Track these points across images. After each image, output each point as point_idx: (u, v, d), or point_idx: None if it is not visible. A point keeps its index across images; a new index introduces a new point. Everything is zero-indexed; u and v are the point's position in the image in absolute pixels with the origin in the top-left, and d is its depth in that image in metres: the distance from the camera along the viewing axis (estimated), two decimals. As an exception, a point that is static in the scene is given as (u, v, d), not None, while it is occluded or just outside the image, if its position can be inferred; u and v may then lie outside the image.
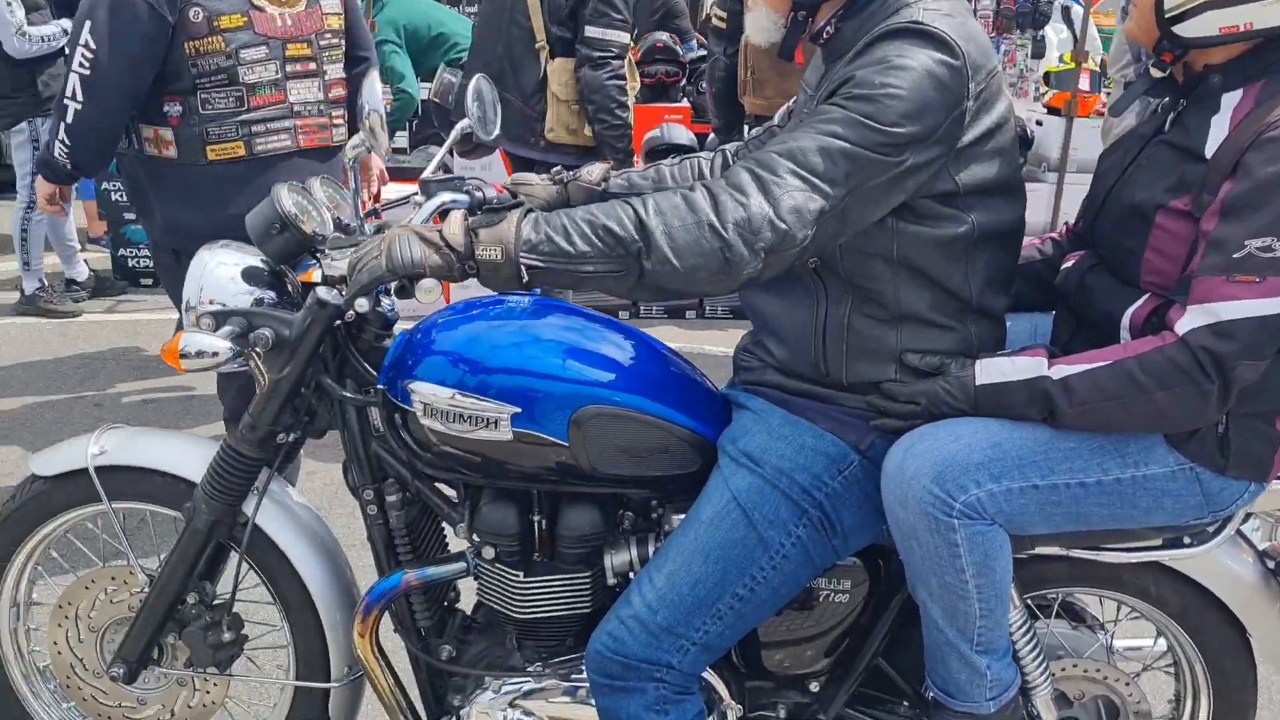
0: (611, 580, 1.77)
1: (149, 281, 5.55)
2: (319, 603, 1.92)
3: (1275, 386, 1.54)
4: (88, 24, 2.52)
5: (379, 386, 1.74)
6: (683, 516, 1.71)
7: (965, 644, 1.63)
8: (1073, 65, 5.86)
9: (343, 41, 2.88)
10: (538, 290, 1.72)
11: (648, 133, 5.14)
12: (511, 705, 1.81)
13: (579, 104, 3.76)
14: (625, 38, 3.78)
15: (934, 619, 1.64)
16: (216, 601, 1.95)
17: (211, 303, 1.75)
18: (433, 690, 1.92)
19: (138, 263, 5.67)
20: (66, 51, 2.58)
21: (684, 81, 6.27)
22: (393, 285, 1.57)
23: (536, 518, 1.77)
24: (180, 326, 3.20)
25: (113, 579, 2.01)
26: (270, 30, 2.64)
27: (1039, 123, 6.29)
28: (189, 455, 1.93)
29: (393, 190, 3.57)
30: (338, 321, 1.74)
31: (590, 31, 3.70)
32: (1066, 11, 6.34)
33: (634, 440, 1.68)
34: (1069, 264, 1.74)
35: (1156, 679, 1.99)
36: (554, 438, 1.66)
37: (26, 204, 5.10)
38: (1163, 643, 1.91)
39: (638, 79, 4.14)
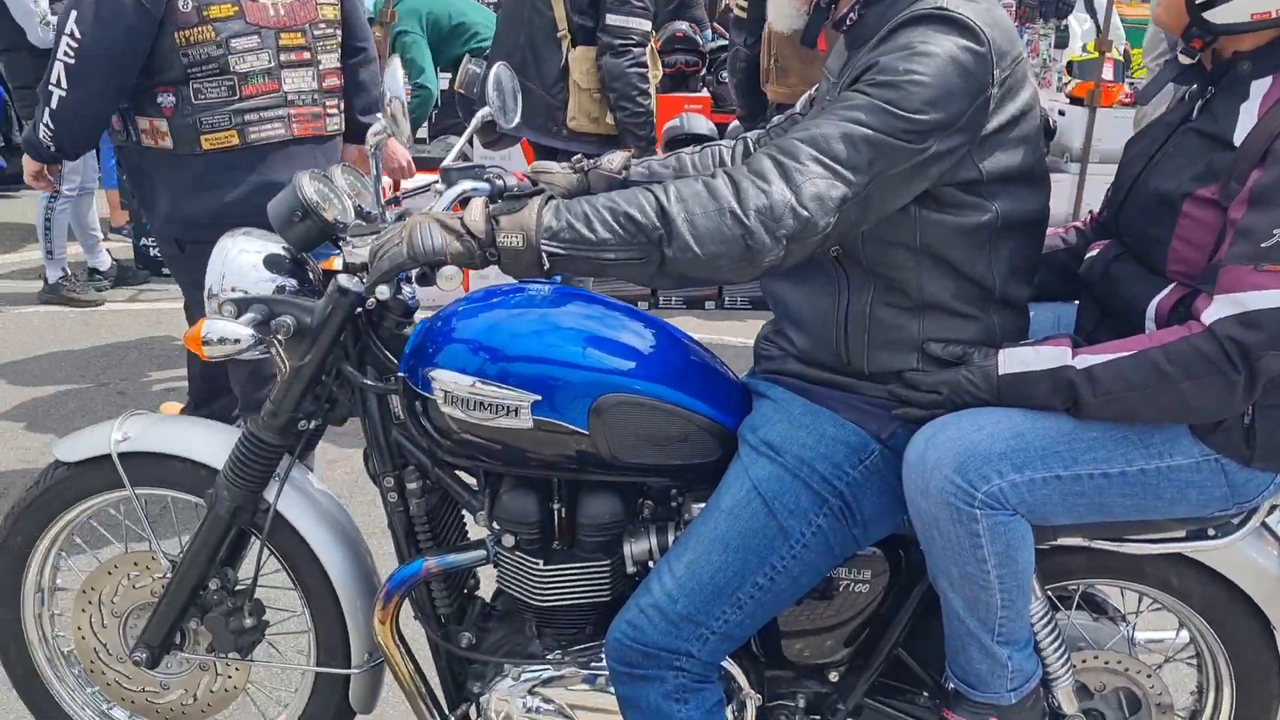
0: (631, 569, 1.77)
1: (170, 271, 5.58)
2: (339, 589, 1.93)
3: (1303, 377, 1.53)
4: (74, 13, 2.55)
5: (400, 374, 1.74)
6: (703, 505, 1.70)
7: (986, 634, 1.62)
8: (1096, 55, 5.80)
9: (338, 31, 2.89)
10: (558, 278, 1.72)
11: (667, 123, 5.13)
12: (531, 693, 1.82)
13: (601, 92, 3.76)
14: (646, 25, 3.78)
15: (955, 609, 1.63)
16: (238, 587, 1.96)
17: (234, 290, 1.76)
18: (452, 677, 1.92)
19: (160, 252, 5.70)
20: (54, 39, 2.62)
21: (704, 71, 6.24)
22: (414, 273, 1.57)
23: (556, 506, 1.77)
24: (190, 314, 3.28)
25: (135, 564, 2.03)
26: (262, 20, 2.66)
27: (1061, 113, 6.24)
28: (211, 442, 1.94)
29: (414, 179, 3.58)
30: (359, 309, 1.75)
31: (611, 19, 3.70)
32: (1090, 0, 6.27)
33: (654, 429, 1.68)
34: (1094, 253, 1.72)
35: (1179, 670, 1.98)
36: (574, 426, 1.66)
37: (50, 194, 5.14)
38: (1185, 634, 1.90)
39: (660, 67, 4.14)
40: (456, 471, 1.83)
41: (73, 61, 2.54)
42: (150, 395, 4.23)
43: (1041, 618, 1.71)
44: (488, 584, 1.96)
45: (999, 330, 1.64)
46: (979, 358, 1.59)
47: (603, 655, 1.72)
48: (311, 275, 1.84)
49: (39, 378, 4.38)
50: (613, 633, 1.67)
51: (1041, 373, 1.55)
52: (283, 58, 2.70)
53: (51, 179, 2.90)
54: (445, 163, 1.91)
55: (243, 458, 1.84)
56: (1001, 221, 1.57)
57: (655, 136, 3.94)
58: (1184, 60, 1.62)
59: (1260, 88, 1.52)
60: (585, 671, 1.81)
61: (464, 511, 1.93)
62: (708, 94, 6.12)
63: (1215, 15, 1.52)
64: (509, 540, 1.77)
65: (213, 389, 3.32)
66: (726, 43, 5.89)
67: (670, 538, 1.75)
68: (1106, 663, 1.83)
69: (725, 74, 5.67)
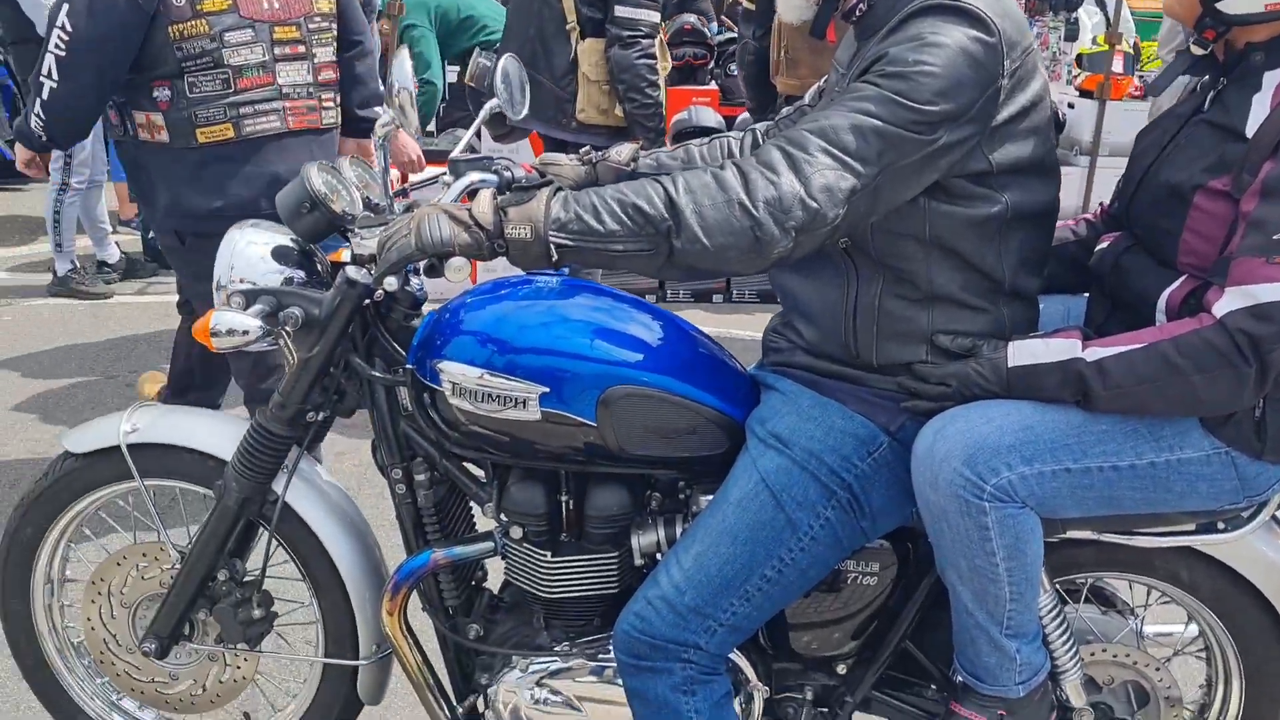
0: (639, 561, 1.77)
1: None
2: (347, 581, 1.93)
3: (1314, 370, 1.52)
4: (66, 6, 2.57)
5: (408, 366, 1.74)
6: (710, 498, 1.70)
7: (995, 627, 1.62)
8: (1106, 47, 5.78)
9: (333, 25, 2.90)
10: (565, 270, 1.72)
11: (675, 116, 5.12)
12: (539, 684, 1.82)
13: (610, 84, 3.76)
14: (655, 16, 3.78)
15: (963, 602, 1.63)
16: (247, 578, 1.97)
17: (242, 281, 1.76)
18: (460, 668, 1.93)
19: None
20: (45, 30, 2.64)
21: (712, 64, 6.23)
22: (422, 264, 1.57)
23: (564, 498, 1.77)
24: (179, 305, 3.29)
25: (144, 555, 2.03)
26: (256, 13, 2.67)
27: (1071, 106, 6.21)
28: (219, 433, 1.95)
29: (422, 172, 3.59)
30: (367, 301, 1.75)
31: (620, 11, 3.70)
32: (1101, -8, 6.24)
33: (662, 421, 1.68)
34: (1104, 245, 1.72)
35: (1188, 663, 1.98)
36: (582, 418, 1.66)
37: (59, 186, 5.15)
38: (1193, 628, 1.89)
39: (669, 59, 4.14)
40: (464, 463, 1.83)
41: (63, 54, 2.56)
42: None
43: (1050, 611, 1.71)
44: (495, 576, 1.97)
45: (1008, 322, 1.63)
46: (988, 350, 1.59)
47: (610, 647, 1.72)
48: (320, 267, 1.84)
49: (48, 370, 4.39)
50: (620, 625, 1.67)
51: (1051, 365, 1.55)
52: (277, 51, 2.71)
53: (43, 166, 2.94)
54: (453, 155, 1.91)
55: (251, 449, 1.84)
56: (1011, 213, 1.57)
57: (665, 128, 3.94)
58: (1196, 51, 1.61)
59: (1273, 79, 1.50)
60: (593, 663, 1.81)
61: (472, 503, 1.93)
62: (716, 87, 6.12)
63: (1228, 6, 1.51)
64: (517, 532, 1.77)
65: (189, 383, 3.36)
66: (734, 36, 5.88)
67: (678, 530, 1.75)
68: (1115, 656, 1.82)
69: (733, 67, 5.66)
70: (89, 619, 2.07)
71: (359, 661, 1.98)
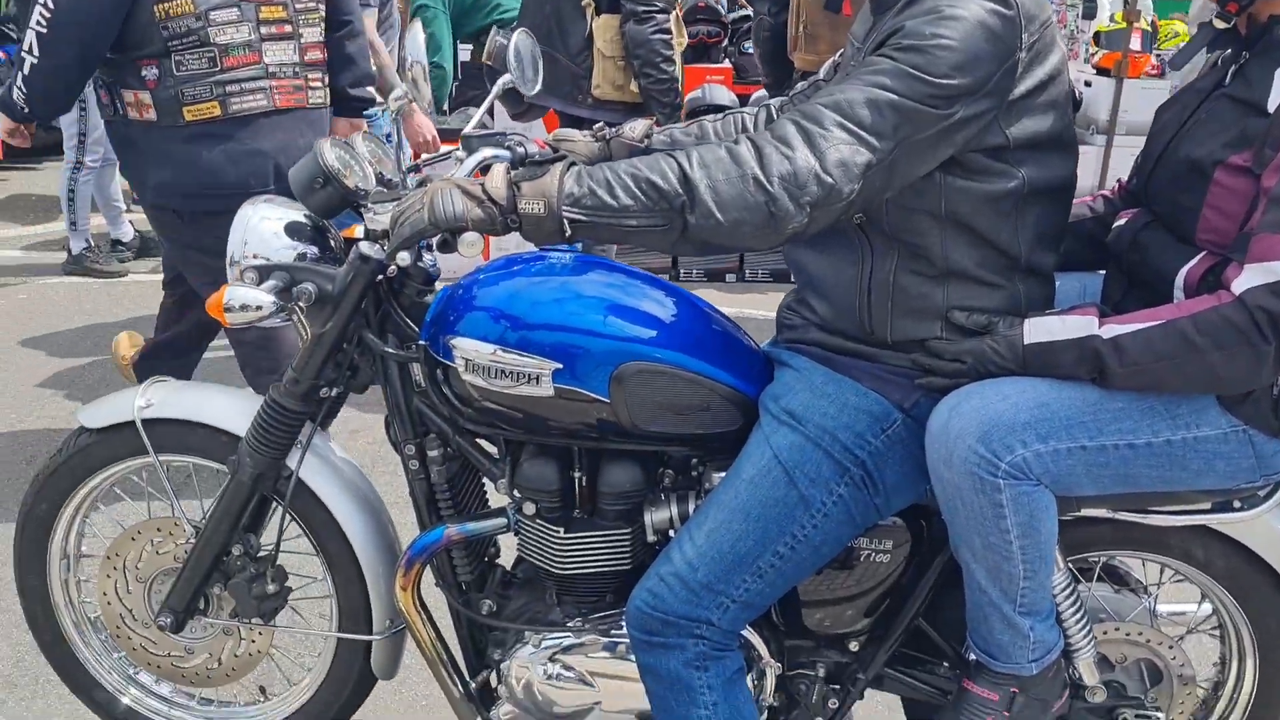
0: (651, 537, 1.77)
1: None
2: (361, 556, 1.94)
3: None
4: None
5: (421, 342, 1.74)
6: (723, 474, 1.70)
7: (1008, 605, 1.62)
8: (1123, 25, 5.72)
9: (321, 5, 2.91)
10: (578, 246, 1.71)
11: (689, 94, 5.10)
12: (551, 660, 1.82)
13: (625, 60, 3.76)
14: (670, -9, 3.77)
15: (977, 580, 1.63)
16: (261, 553, 1.98)
17: (255, 257, 1.76)
18: (473, 644, 1.94)
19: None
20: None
21: (726, 42, 6.19)
22: (435, 240, 1.57)
23: (577, 474, 1.77)
24: (165, 284, 3.30)
25: (158, 530, 2.04)
26: None
27: (1088, 84, 6.16)
28: (233, 409, 1.95)
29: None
30: (380, 276, 1.75)
31: None
32: (1119, -29, 6.18)
33: (675, 397, 1.67)
34: (1122, 222, 1.70)
35: (1201, 640, 1.97)
36: (595, 394, 1.65)
37: (73, 165, 5.17)
38: (1207, 606, 1.88)
39: (685, 34, 4.12)
40: (477, 439, 1.83)
41: (45, 31, 2.59)
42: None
43: (1064, 589, 1.70)
44: (509, 552, 1.97)
45: (1024, 299, 1.62)
46: (1004, 327, 1.58)
47: (623, 623, 1.72)
48: (333, 243, 1.84)
49: (64, 348, 4.41)
50: (633, 601, 1.67)
51: (1067, 342, 1.54)
52: (263, 30, 2.73)
53: (27, 135, 2.98)
54: (466, 130, 1.90)
55: (265, 425, 1.85)
56: (1028, 188, 1.55)
57: (680, 103, 3.94)
58: (1219, 25, 1.59)
59: (1295, 52, 1.49)
60: (606, 639, 1.81)
61: (485, 479, 1.93)
62: (730, 65, 6.09)
63: (1252, -22, 1.48)
64: (530, 508, 1.77)
65: (163, 355, 3.38)
66: (748, 13, 5.83)
67: (691, 507, 1.75)
68: (1128, 634, 1.82)
69: (748, 44, 5.62)
70: (105, 594, 2.09)
71: (372, 636, 1.99)
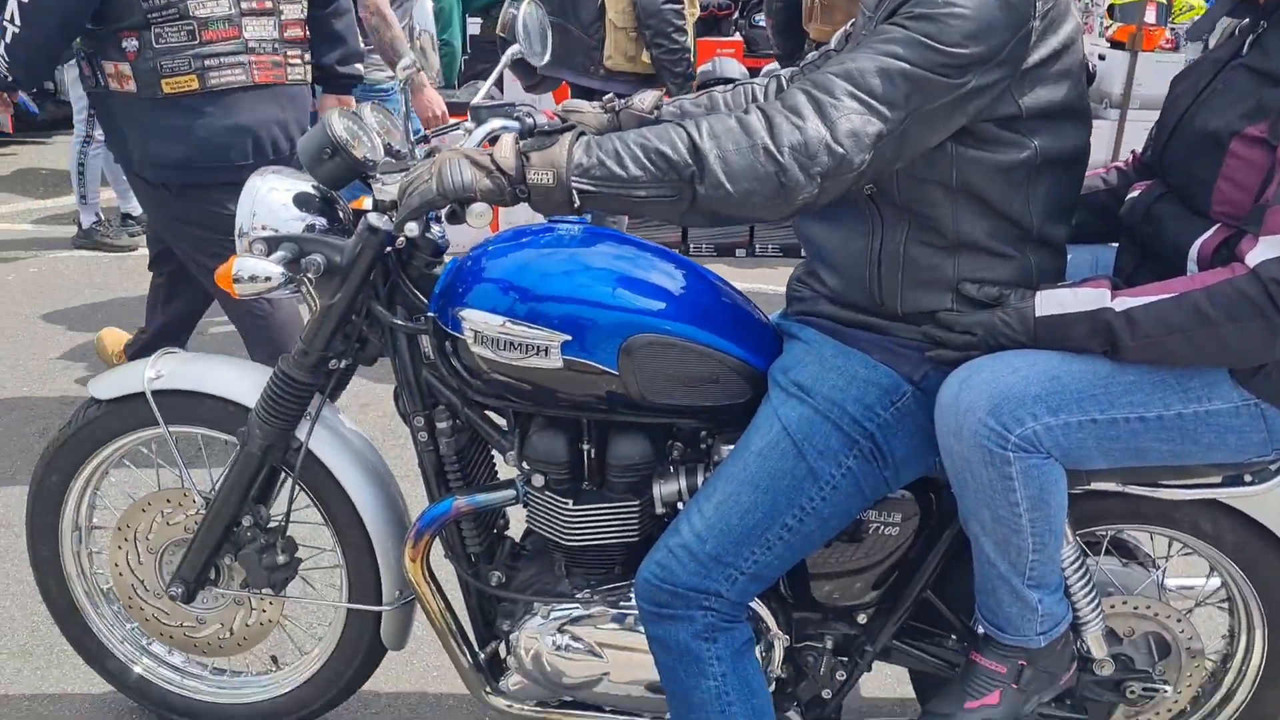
0: (660, 509, 1.77)
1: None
2: (370, 527, 1.95)
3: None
4: None
5: (429, 314, 1.74)
6: (732, 447, 1.70)
7: (1017, 578, 1.62)
8: (1139, -3, 5.66)
9: None
10: (587, 218, 1.70)
11: (700, 67, 5.06)
12: (560, 630, 1.83)
13: (637, 31, 3.76)
14: (680, -39, 3.75)
15: (985, 552, 1.62)
16: (271, 524, 1.99)
17: (264, 228, 1.76)
18: (482, 615, 1.95)
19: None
20: None
21: (736, 15, 6.15)
22: (443, 210, 1.56)
23: (586, 446, 1.77)
24: (151, 263, 3.31)
25: (168, 501, 2.05)
26: None
27: (1102, 57, 6.10)
28: (243, 380, 1.96)
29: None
30: (388, 248, 1.75)
31: None
32: (1134, -57, 6.10)
33: (684, 369, 1.67)
34: (1135, 193, 1.69)
35: (1210, 613, 1.97)
36: (604, 366, 1.65)
37: (84, 139, 5.16)
38: (1215, 580, 1.88)
39: (697, 5, 4.11)
40: (486, 411, 1.83)
41: (26, 1, 2.61)
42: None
43: (1072, 562, 1.70)
44: (517, 524, 1.98)
45: (1035, 270, 1.61)
46: (1015, 299, 1.57)
47: (631, 594, 1.73)
48: (341, 214, 1.84)
49: (75, 321, 4.43)
50: (642, 573, 1.67)
51: (1079, 315, 1.53)
52: (243, 5, 2.74)
53: (9, 103, 3.06)
54: (474, 101, 1.89)
55: (274, 396, 1.85)
56: (1040, 159, 1.54)
57: (692, 73, 3.93)
58: (1237, -6, 1.57)
59: (1315, 22, 1.47)
60: (614, 610, 1.82)
61: (493, 451, 1.93)
62: (740, 38, 6.05)
63: (1270, -55, 1.46)
64: (538, 480, 1.77)
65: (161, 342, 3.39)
66: (761, -15, 5.78)
67: (699, 479, 1.75)
68: (1135, 608, 1.82)
69: (758, 17, 5.58)
70: (116, 564, 2.10)
71: (382, 607, 2.00)
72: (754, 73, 5.26)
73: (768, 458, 1.63)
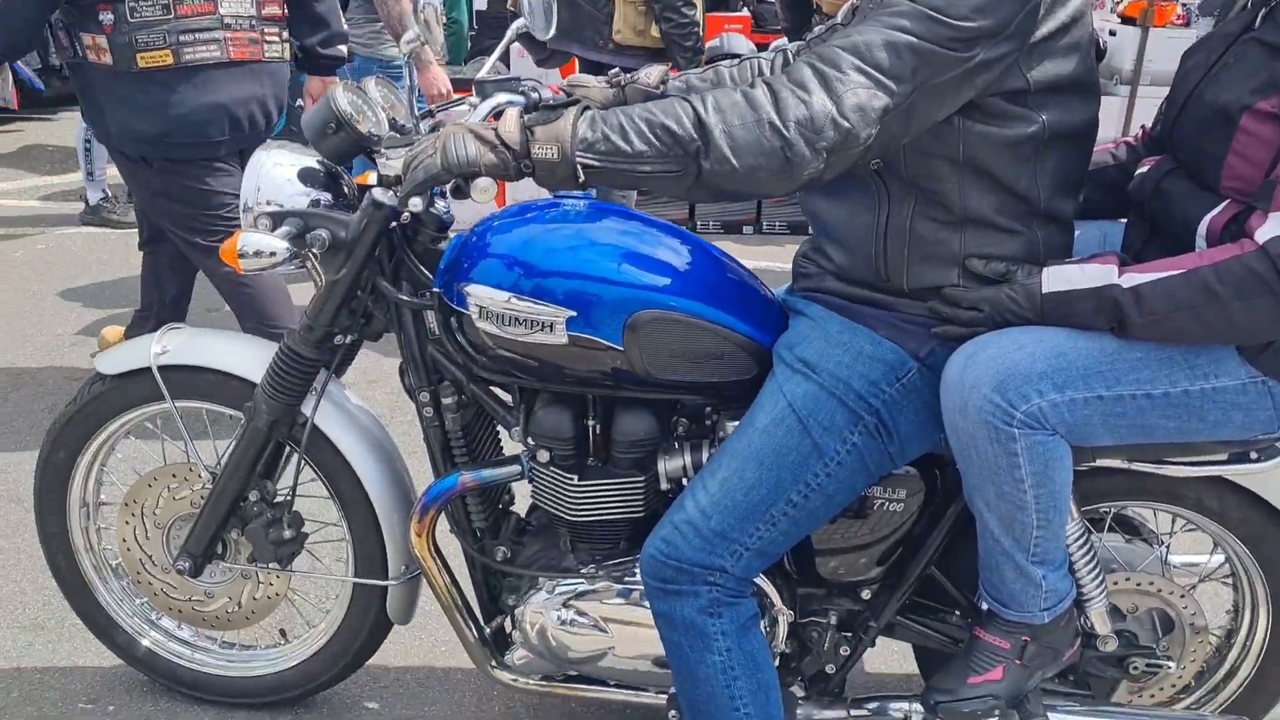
0: (665, 485, 1.78)
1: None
2: (375, 502, 1.95)
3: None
4: None
5: (434, 289, 1.74)
6: (737, 423, 1.70)
7: (1021, 554, 1.62)
8: (1151, -29, 5.60)
9: None
10: (592, 193, 1.70)
11: (708, 44, 5.03)
12: (565, 605, 1.84)
13: (646, 4, 3.74)
14: (689, -65, 3.74)
15: (990, 529, 1.62)
16: (277, 499, 1.99)
17: (268, 203, 1.76)
18: (488, 590, 1.96)
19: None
20: None
21: (744, -10, 6.11)
22: (448, 185, 1.56)
23: (591, 422, 1.77)
24: (141, 244, 3.32)
25: (174, 476, 2.06)
26: None
27: (1113, 33, 6.05)
28: (249, 356, 1.96)
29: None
30: (393, 223, 1.74)
31: None
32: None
33: (689, 345, 1.67)
34: (1145, 169, 1.68)
35: (1214, 589, 1.97)
36: (609, 342, 1.65)
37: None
38: (1219, 556, 1.88)
39: (706, -19, 4.11)
40: (492, 387, 1.83)
41: None
42: (190, 315, 4.25)
43: (1077, 538, 1.70)
44: (523, 499, 1.98)
45: (1042, 246, 1.60)
46: (1022, 275, 1.56)
47: (636, 570, 1.73)
48: (346, 189, 1.83)
49: (82, 298, 4.44)
50: (647, 549, 1.68)
51: (1086, 291, 1.52)
52: None
53: None
54: (479, 76, 1.88)
55: (280, 371, 1.85)
56: (1048, 133, 1.53)
57: (701, 48, 3.92)
58: (1249, -34, 1.55)
59: (1327, -6, 1.45)
60: (619, 586, 1.83)
61: (499, 427, 1.94)
62: (748, 13, 6.01)
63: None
64: (544, 456, 1.77)
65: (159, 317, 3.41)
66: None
67: (704, 455, 1.75)
68: (1139, 585, 1.82)
69: (767, -9, 5.53)
70: (124, 540, 2.11)
71: (388, 582, 2.01)
72: (762, 48, 5.20)
73: (773, 434, 1.63)
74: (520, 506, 2.03)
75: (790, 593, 1.84)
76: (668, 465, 1.76)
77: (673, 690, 1.79)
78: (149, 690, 2.27)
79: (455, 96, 3.59)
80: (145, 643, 2.22)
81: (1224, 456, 1.67)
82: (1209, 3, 1.96)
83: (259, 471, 1.95)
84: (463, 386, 1.81)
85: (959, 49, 1.41)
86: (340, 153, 1.74)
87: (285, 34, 2.96)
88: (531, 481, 1.83)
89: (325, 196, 1.78)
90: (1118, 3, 6.44)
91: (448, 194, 1.64)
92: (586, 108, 1.50)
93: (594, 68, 3.83)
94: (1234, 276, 1.43)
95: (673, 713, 1.81)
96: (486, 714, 2.24)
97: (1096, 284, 1.52)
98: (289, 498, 1.98)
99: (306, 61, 3.15)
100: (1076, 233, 1.70)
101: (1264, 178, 1.48)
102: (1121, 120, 5.61)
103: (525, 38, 1.97)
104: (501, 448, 2.01)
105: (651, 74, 1.94)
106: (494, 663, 1.95)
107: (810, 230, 1.78)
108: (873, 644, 1.87)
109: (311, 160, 1.80)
